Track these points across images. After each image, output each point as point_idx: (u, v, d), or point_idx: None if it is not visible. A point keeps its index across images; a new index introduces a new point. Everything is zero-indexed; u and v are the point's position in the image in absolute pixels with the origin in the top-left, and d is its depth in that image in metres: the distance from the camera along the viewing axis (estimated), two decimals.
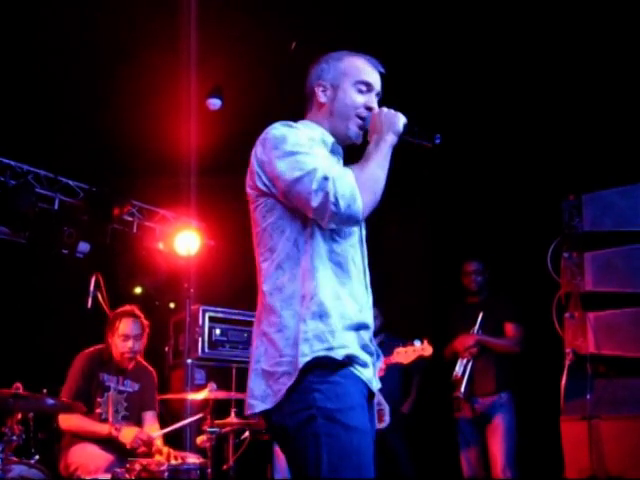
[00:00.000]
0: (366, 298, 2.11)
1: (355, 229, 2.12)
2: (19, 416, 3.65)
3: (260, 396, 1.96)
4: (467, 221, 5.71)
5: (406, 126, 2.10)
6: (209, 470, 3.91)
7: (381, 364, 4.81)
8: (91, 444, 4.04)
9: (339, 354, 1.92)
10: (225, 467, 4.19)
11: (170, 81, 4.74)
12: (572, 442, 4.05)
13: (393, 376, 5.54)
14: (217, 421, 4.14)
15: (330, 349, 1.91)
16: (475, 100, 4.99)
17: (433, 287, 5.86)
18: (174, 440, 4.55)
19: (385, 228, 6.08)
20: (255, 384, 1.98)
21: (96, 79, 4.87)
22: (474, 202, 5.66)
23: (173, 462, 3.93)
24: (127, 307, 4.48)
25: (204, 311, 5.92)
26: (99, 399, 4.23)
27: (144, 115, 5.03)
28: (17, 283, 5.94)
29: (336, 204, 1.90)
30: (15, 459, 3.50)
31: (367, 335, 2.07)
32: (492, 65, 4.74)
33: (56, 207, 6.21)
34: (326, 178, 1.92)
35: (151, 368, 4.57)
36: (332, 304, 1.96)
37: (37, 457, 3.80)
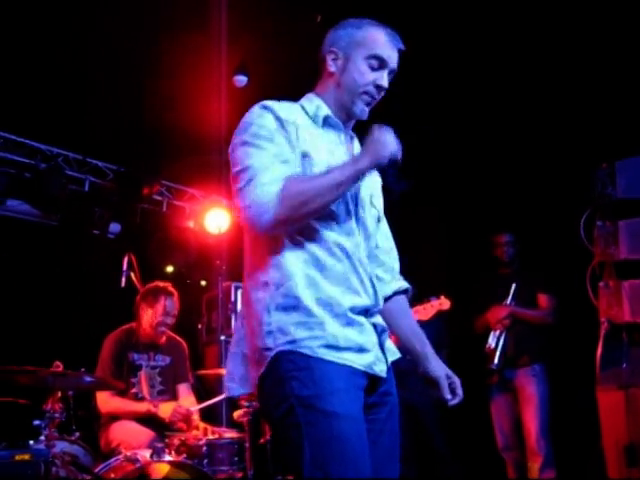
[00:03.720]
0: (361, 276, 1.96)
1: (347, 200, 1.99)
2: (59, 394, 3.72)
3: (239, 379, 1.94)
4: (498, 192, 5.66)
5: (392, 161, 1.90)
6: (246, 444, 3.95)
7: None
8: (131, 421, 4.11)
9: (307, 346, 1.82)
10: (262, 441, 4.23)
11: (197, 59, 4.72)
12: (609, 412, 4.04)
13: None
14: (253, 395, 4.16)
15: (293, 342, 1.82)
16: (506, 68, 4.92)
17: (464, 259, 5.84)
18: (211, 415, 4.61)
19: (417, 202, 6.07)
20: (235, 367, 1.96)
21: (122, 60, 4.87)
22: (505, 173, 5.61)
23: (211, 437, 3.99)
24: (167, 284, 4.56)
25: (236, 288, 5.96)
26: (132, 379, 4.27)
27: (171, 94, 5.03)
28: (51, 265, 6.03)
29: (248, 209, 1.84)
30: (58, 435, 3.58)
31: (363, 316, 1.94)
32: (522, 34, 4.66)
33: (86, 189, 6.27)
34: (251, 180, 1.85)
35: (180, 339, 4.62)
36: (304, 292, 1.85)
37: (78, 434, 3.87)
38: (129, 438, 3.97)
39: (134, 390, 4.26)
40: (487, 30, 4.67)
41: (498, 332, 4.83)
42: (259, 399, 1.93)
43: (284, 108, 2.00)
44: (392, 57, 2.05)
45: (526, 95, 5.08)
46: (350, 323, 1.89)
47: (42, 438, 3.43)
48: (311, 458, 1.75)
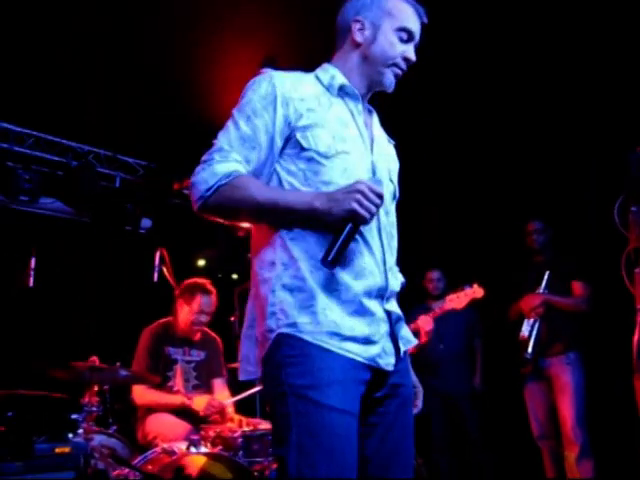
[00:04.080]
0: (375, 260, 1.85)
1: (363, 170, 1.89)
2: (96, 388, 3.78)
3: (255, 362, 1.87)
4: (531, 179, 5.60)
5: (348, 223, 1.72)
6: None
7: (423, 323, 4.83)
8: (167, 414, 4.16)
9: (308, 331, 1.74)
10: None
11: (225, 52, 4.72)
12: None
13: (457, 337, 5.53)
14: None
15: (294, 325, 1.74)
16: (534, 52, 4.83)
17: (497, 248, 5.79)
18: (245, 407, 4.63)
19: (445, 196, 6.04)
20: (250, 349, 1.89)
21: (149, 56, 4.90)
22: (538, 159, 5.54)
23: (246, 429, 4.02)
24: (205, 281, 4.58)
25: None
26: (168, 373, 4.32)
27: (199, 87, 5.05)
28: (85, 261, 6.11)
29: (192, 185, 1.83)
30: (96, 429, 3.64)
31: (376, 304, 1.84)
32: (554, 19, 4.57)
33: (117, 185, 6.34)
34: (207, 160, 1.82)
35: (215, 335, 4.66)
36: (311, 275, 1.77)
37: (115, 427, 3.93)
38: (165, 430, 4.01)
39: (170, 384, 4.30)
40: (508, 13, 4.57)
41: (532, 320, 4.78)
42: (262, 381, 1.85)
43: (290, 80, 1.90)
44: (418, 30, 1.99)
45: (560, 77, 4.99)
46: (359, 311, 1.80)
47: (80, 431, 3.50)
48: (297, 447, 1.68)
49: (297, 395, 1.70)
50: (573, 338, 4.77)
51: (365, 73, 1.98)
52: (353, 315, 1.78)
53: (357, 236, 1.79)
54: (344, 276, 1.79)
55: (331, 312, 1.76)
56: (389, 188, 2.01)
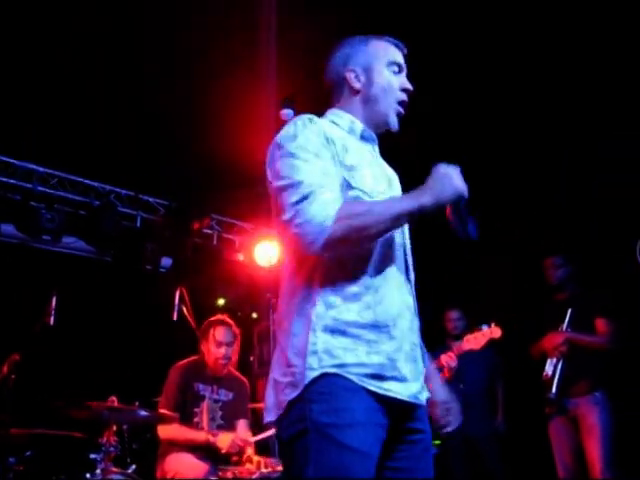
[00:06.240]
0: (407, 300, 1.91)
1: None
2: (114, 428, 3.77)
3: (269, 407, 1.83)
4: (551, 214, 5.57)
5: (457, 202, 1.81)
6: None
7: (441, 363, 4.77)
8: (186, 453, 4.12)
9: (353, 372, 1.74)
10: None
11: (246, 94, 4.79)
12: None
13: (477, 377, 5.45)
14: None
15: (341, 366, 1.73)
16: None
17: (518, 286, 5.74)
18: (263, 447, 4.58)
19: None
20: (268, 393, 1.85)
21: (171, 97, 4.98)
22: (557, 193, 5.52)
23: (264, 470, 3.96)
24: (219, 316, 4.60)
25: None
26: (195, 409, 4.30)
27: (219, 128, 5.11)
28: (105, 300, 6.14)
29: (302, 225, 1.74)
30: (114, 469, 3.62)
31: (408, 343, 1.87)
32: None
33: (138, 224, 6.40)
34: (307, 196, 1.75)
35: (243, 378, 4.64)
36: (352, 316, 1.77)
37: (134, 467, 3.90)
38: (184, 470, 3.98)
39: (196, 419, 4.28)
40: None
41: (555, 360, 4.69)
42: (279, 421, 1.81)
43: (326, 122, 1.97)
44: (403, 61, 2.08)
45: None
46: (401, 349, 1.82)
47: (98, 471, 3.48)
48: None
49: (319, 432, 1.69)
50: (599, 377, 4.66)
51: (369, 116, 2.04)
52: (397, 353, 1.80)
53: (398, 274, 1.88)
54: (385, 315, 1.81)
55: (376, 355, 1.77)
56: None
